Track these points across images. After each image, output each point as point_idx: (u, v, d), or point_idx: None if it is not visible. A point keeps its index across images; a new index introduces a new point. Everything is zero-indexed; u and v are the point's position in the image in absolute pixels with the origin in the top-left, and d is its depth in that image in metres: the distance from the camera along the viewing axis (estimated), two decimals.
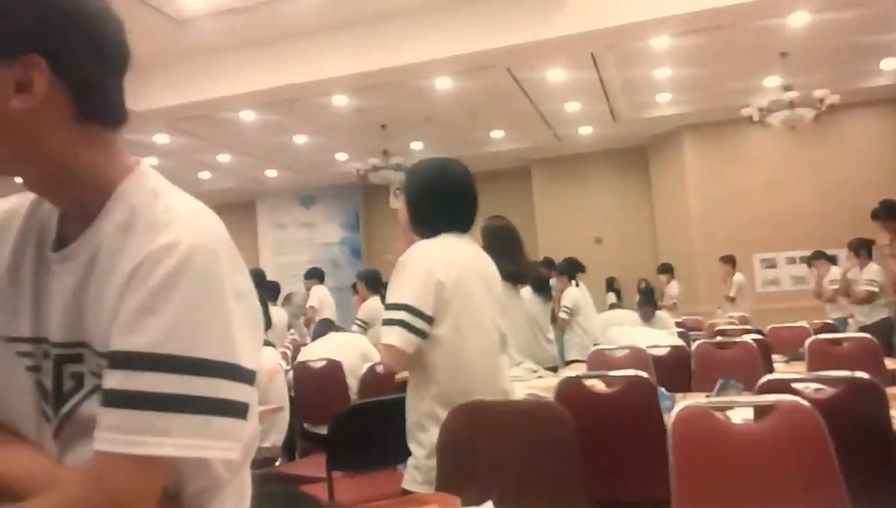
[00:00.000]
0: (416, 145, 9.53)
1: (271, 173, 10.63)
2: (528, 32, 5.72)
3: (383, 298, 6.51)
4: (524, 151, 10.12)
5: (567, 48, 6.11)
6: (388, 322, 1.75)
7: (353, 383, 3.78)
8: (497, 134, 9.34)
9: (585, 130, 9.39)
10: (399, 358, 1.76)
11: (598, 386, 2.49)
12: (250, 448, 0.88)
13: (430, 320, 1.76)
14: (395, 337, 1.73)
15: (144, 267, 0.73)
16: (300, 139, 8.96)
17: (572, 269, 5.77)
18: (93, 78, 0.76)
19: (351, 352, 3.93)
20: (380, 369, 3.52)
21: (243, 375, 0.76)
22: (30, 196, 0.87)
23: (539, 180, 10.77)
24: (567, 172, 10.59)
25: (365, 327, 5.96)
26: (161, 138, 8.22)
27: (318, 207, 11.95)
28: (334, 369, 3.81)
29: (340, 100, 7.46)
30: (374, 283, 6.11)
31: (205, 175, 10.48)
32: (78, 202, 0.80)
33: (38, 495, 0.72)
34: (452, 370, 1.78)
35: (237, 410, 0.75)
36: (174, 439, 0.70)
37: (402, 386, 4.08)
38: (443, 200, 1.92)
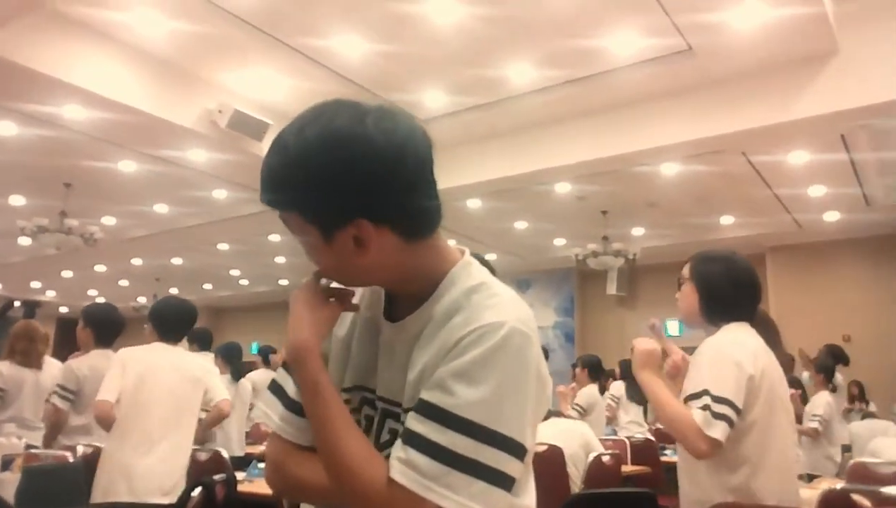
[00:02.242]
0: (638, 231, 9.34)
1: (490, 257, 11.02)
2: (769, 115, 5.45)
3: (601, 387, 6.37)
4: (758, 238, 9.46)
5: (813, 130, 5.70)
6: (715, 415, 1.74)
7: (572, 471, 3.69)
8: (727, 219, 8.86)
9: (832, 216, 8.56)
10: (716, 453, 1.74)
11: (863, 502, 2.18)
12: None
13: (740, 414, 1.77)
14: (720, 432, 1.72)
15: (470, 337, 0.84)
16: (521, 225, 9.23)
17: (831, 367, 5.17)
18: (407, 213, 0.88)
19: (573, 440, 3.85)
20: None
21: (522, 454, 0.84)
22: None
23: (775, 269, 9.92)
24: (809, 261, 9.65)
25: (582, 413, 5.82)
26: None
27: (534, 291, 12.06)
28: (555, 455, 3.75)
29: (563, 188, 7.61)
30: (596, 371, 6.00)
31: None
32: (412, 289, 0.94)
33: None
34: (752, 464, 1.77)
35: (509, 484, 0.83)
36: (457, 496, 0.80)
37: (627, 479, 3.89)
38: (740, 286, 1.96)
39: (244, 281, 13.80)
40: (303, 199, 0.86)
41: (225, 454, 3.76)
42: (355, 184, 0.83)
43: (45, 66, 4.92)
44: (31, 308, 15.04)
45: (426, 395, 0.83)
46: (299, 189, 0.85)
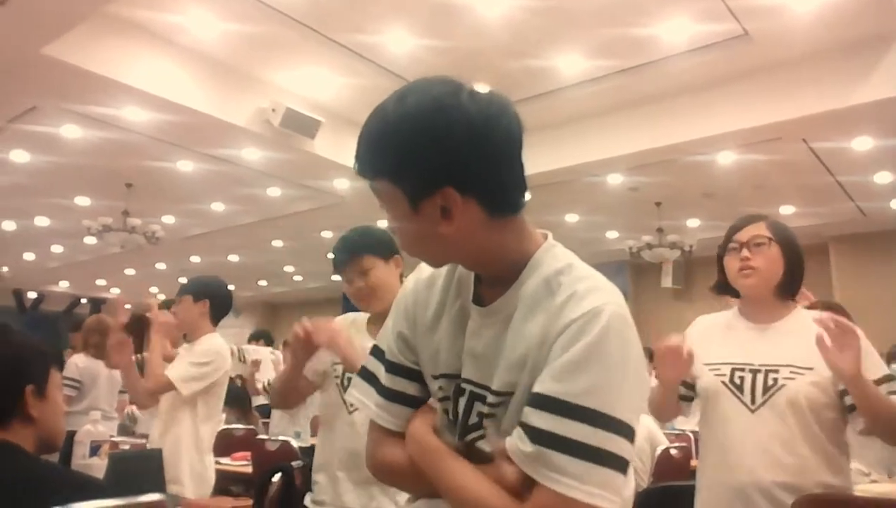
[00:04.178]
0: (693, 222, 9.13)
1: None
2: (830, 100, 5.25)
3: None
4: (820, 228, 9.12)
5: (878, 115, 5.45)
6: None
7: (637, 465, 3.64)
8: (787, 209, 8.57)
9: None
10: None
11: None
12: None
13: None
14: None
15: (575, 325, 0.85)
16: (572, 218, 9.14)
17: None
18: (494, 187, 0.90)
19: (637, 433, 3.80)
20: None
21: (632, 437, 0.85)
22: None
23: (839, 260, 9.55)
24: (875, 251, 9.25)
25: None
26: None
27: None
28: None
29: (615, 179, 7.50)
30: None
31: None
32: (497, 271, 0.95)
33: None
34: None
35: (626, 467, 0.84)
36: (586, 486, 0.80)
37: (694, 473, 3.80)
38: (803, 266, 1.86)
39: (298, 278, 14.06)
40: (396, 165, 0.88)
41: (294, 443, 3.84)
42: (446, 152, 0.86)
43: (106, 69, 5.10)
44: (97, 305, 15.65)
45: (540, 388, 0.85)
46: (394, 154, 0.88)
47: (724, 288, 1.93)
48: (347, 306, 2.31)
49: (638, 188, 7.76)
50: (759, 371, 1.74)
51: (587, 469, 0.81)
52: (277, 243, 11.09)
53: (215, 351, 2.81)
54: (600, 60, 5.58)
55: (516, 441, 0.85)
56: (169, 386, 2.70)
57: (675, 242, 8.44)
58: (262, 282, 14.66)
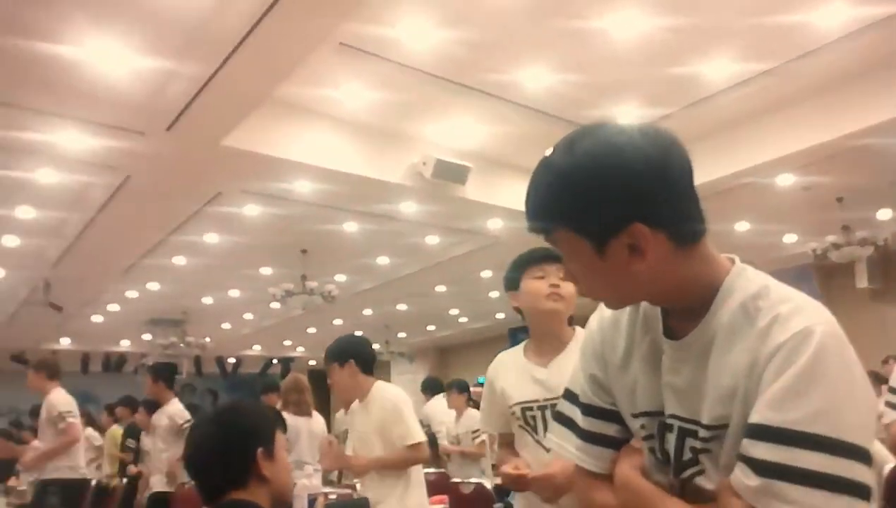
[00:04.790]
0: (885, 214, 8.21)
1: None
2: None
3: None
4: None
5: None
6: None
7: None
8: None
9: None
10: None
11: None
12: None
13: None
14: None
15: (784, 350, 0.82)
16: (742, 226, 8.57)
17: None
18: (678, 216, 0.89)
19: None
20: None
21: (869, 461, 0.79)
22: None
23: None
24: None
25: None
26: None
27: None
28: None
29: (786, 180, 6.97)
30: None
31: None
32: (688, 302, 0.93)
33: None
34: None
35: (868, 495, 0.78)
36: None
37: None
38: None
39: (463, 320, 14.33)
40: (575, 212, 0.88)
41: (488, 484, 3.87)
42: (628, 189, 0.86)
43: (275, 150, 5.62)
44: (286, 364, 16.90)
45: (757, 418, 0.81)
46: (572, 202, 0.88)
47: None
48: (514, 344, 2.32)
49: (812, 187, 7.15)
50: None
51: (827, 499, 0.76)
52: (441, 288, 11.42)
53: (388, 397, 2.94)
54: (749, 61, 5.28)
55: (740, 476, 0.82)
56: (421, 447, 2.83)
57: (867, 238, 7.63)
58: (431, 327, 15.09)
